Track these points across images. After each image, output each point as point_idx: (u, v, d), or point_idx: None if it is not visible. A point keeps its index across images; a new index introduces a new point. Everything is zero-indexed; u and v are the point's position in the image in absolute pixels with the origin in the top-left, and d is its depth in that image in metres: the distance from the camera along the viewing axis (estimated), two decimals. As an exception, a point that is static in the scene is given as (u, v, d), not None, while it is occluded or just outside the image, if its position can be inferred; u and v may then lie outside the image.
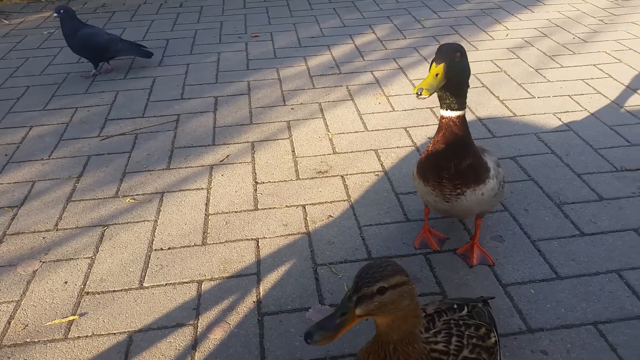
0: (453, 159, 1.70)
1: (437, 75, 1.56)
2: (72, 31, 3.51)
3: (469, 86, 1.70)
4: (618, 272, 1.88)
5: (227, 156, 2.68)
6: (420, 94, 1.54)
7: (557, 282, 1.85)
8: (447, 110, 1.68)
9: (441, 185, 1.73)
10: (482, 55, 3.76)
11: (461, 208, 1.78)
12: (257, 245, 2.08)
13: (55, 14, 3.49)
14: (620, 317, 1.70)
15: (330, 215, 2.23)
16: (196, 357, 1.61)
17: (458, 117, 1.68)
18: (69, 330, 1.72)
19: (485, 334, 1.26)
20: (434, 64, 1.58)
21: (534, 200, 2.28)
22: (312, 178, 2.49)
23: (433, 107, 3.06)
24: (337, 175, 2.50)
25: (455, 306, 1.33)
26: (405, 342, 1.07)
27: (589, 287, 1.82)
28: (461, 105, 1.68)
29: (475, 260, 1.94)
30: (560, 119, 2.91)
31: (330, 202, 2.32)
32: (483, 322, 1.31)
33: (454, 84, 1.62)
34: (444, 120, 1.70)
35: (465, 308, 1.34)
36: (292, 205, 2.30)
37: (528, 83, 3.34)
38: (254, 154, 2.70)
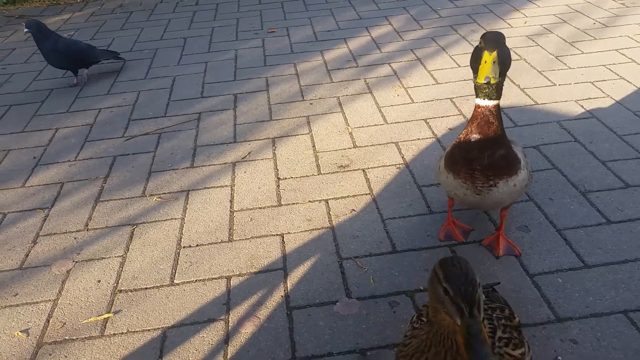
0: (487, 149, 1.68)
1: (494, 62, 1.56)
2: (51, 44, 3.43)
3: (506, 75, 1.69)
4: (647, 260, 1.87)
5: (249, 153, 2.71)
6: (489, 82, 1.55)
7: (585, 271, 1.84)
8: (484, 99, 1.67)
9: (473, 177, 1.72)
10: (500, 43, 3.72)
11: (492, 200, 1.76)
12: (283, 240, 2.11)
13: (26, 29, 3.39)
14: (650, 304, 1.70)
15: (353, 209, 2.25)
16: (229, 352, 1.65)
17: (495, 106, 1.67)
18: (105, 328, 1.77)
19: (510, 314, 1.29)
20: (486, 52, 1.58)
21: (558, 189, 2.27)
22: (334, 172, 2.50)
23: (453, 98, 3.05)
24: (359, 169, 2.52)
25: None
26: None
27: (618, 275, 1.81)
28: (499, 93, 1.66)
29: (502, 250, 1.95)
30: (582, 106, 2.88)
31: (353, 196, 2.33)
32: (502, 301, 1.34)
33: (502, 71, 1.62)
34: (479, 110, 1.68)
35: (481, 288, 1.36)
36: (315, 200, 2.32)
37: (548, 70, 3.30)
38: (275, 150, 2.73)
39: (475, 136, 1.69)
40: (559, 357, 1.55)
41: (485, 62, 1.58)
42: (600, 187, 2.25)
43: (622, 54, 3.43)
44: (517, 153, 1.77)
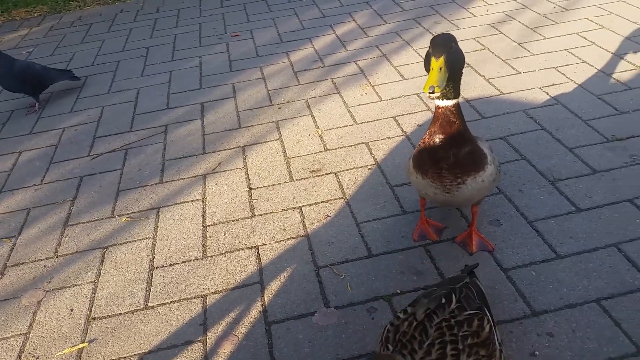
0: (451, 148, 1.69)
1: (440, 69, 1.55)
2: (6, 69, 3.29)
3: (462, 73, 1.69)
4: (616, 246, 1.89)
5: (219, 164, 2.68)
6: (433, 92, 1.53)
7: (558, 262, 1.86)
8: (442, 99, 1.67)
9: (441, 176, 1.72)
10: (464, 33, 3.74)
11: (462, 197, 1.77)
12: (258, 252, 2.09)
13: None
14: (622, 291, 1.72)
15: (327, 215, 2.24)
16: (208, 374, 1.63)
17: (454, 105, 1.67)
18: (80, 359, 1.73)
19: (479, 325, 1.29)
20: (433, 58, 1.57)
21: (528, 179, 2.29)
22: (306, 178, 2.49)
23: (420, 93, 3.06)
24: (331, 172, 2.50)
25: (443, 300, 1.35)
26: None
27: (589, 264, 1.84)
28: (456, 93, 1.67)
29: (475, 247, 1.96)
30: (547, 93, 2.91)
31: (326, 201, 2.32)
32: (473, 308, 1.34)
33: (452, 74, 1.62)
34: (440, 110, 1.68)
35: (454, 296, 1.37)
36: (288, 208, 2.31)
37: (513, 58, 3.33)
38: (245, 158, 2.70)
39: (439, 137, 1.69)
40: (536, 352, 1.57)
41: (432, 69, 1.57)
42: (569, 174, 2.28)
43: (582, 37, 3.47)
44: (483, 149, 1.77)
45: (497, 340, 1.33)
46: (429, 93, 1.53)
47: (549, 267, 1.85)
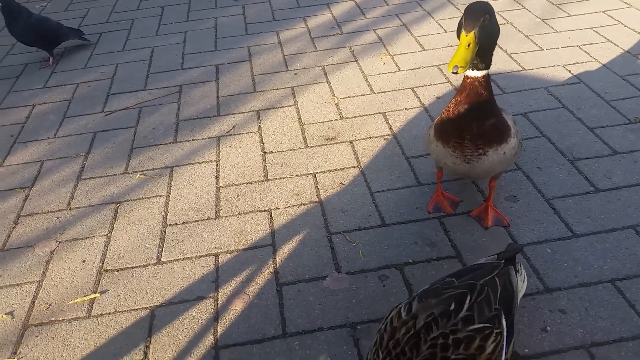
0: (476, 119, 1.65)
1: (469, 45, 1.49)
2: (23, 21, 3.24)
3: (496, 44, 1.63)
4: (634, 228, 1.87)
5: (234, 126, 2.66)
6: (456, 72, 1.49)
7: (574, 241, 1.85)
8: (472, 70, 1.62)
9: (462, 146, 1.69)
10: (487, 7, 3.64)
11: (482, 169, 1.74)
12: (270, 216, 2.08)
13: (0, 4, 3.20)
14: (638, 273, 1.71)
15: (341, 183, 2.22)
16: (219, 329, 1.64)
17: (484, 76, 1.63)
18: (92, 308, 1.75)
19: (479, 346, 1.15)
20: (463, 32, 1.51)
21: (547, 157, 2.26)
22: (321, 145, 2.46)
23: (440, 65, 3.00)
24: (346, 141, 2.48)
25: (452, 307, 1.21)
26: None
27: (606, 244, 1.82)
28: (488, 64, 1.62)
29: (490, 221, 1.94)
30: (570, 71, 2.85)
31: (341, 169, 2.30)
32: (485, 318, 1.20)
33: (483, 47, 1.56)
34: (468, 80, 1.64)
35: (468, 298, 1.23)
36: (302, 174, 2.29)
37: (535, 34, 3.25)
38: (260, 123, 2.67)
39: (464, 107, 1.65)
40: (548, 327, 1.57)
41: (460, 44, 1.50)
42: (589, 154, 2.25)
43: (609, 16, 3.38)
44: (507, 121, 1.74)
45: (506, 355, 1.21)
46: (452, 72, 1.49)
47: (564, 245, 1.84)
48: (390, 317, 1.25)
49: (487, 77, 1.64)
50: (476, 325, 1.18)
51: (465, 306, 1.22)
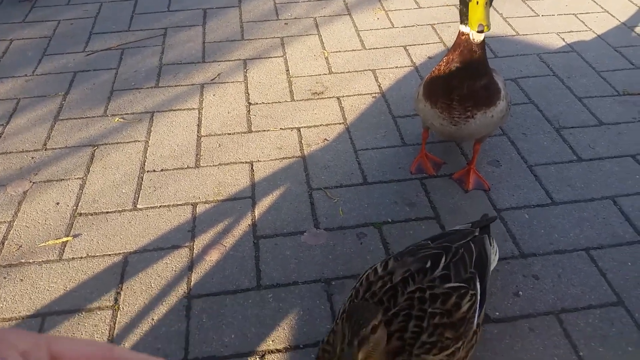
0: (467, 79, 1.61)
1: (487, 3, 1.45)
2: None
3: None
4: (613, 199, 1.88)
5: (219, 75, 2.58)
6: (482, 31, 1.46)
7: (552, 208, 1.85)
8: (467, 26, 1.57)
9: (450, 108, 1.66)
10: (486, -32, 3.54)
11: (468, 131, 1.72)
12: (252, 168, 2.05)
13: None
14: (612, 243, 1.73)
15: (325, 139, 2.19)
16: (193, 278, 1.63)
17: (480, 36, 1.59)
18: (63, 252, 1.72)
19: (455, 303, 1.15)
20: None
21: (533, 124, 2.24)
22: (307, 99, 2.41)
23: (435, 24, 2.93)
24: (333, 96, 2.43)
25: (428, 264, 1.21)
26: None
27: (583, 213, 1.83)
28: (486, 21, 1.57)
29: (471, 185, 1.93)
30: (564, 39, 2.80)
31: (326, 125, 2.26)
32: (461, 279, 1.20)
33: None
34: (463, 37, 1.59)
35: (444, 258, 1.22)
36: (286, 128, 2.25)
37: (532, 0, 3.18)
38: (246, 72, 2.60)
39: (456, 65, 1.61)
40: (520, 292, 1.58)
41: (478, 3, 1.46)
42: (575, 123, 2.23)
43: (609, -15, 3.31)
44: (498, 83, 1.71)
45: (477, 319, 1.20)
46: (478, 31, 1.45)
47: (543, 212, 1.84)
48: (366, 274, 1.25)
49: (483, 38, 1.59)
50: (453, 284, 1.18)
51: (441, 265, 1.22)
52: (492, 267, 1.38)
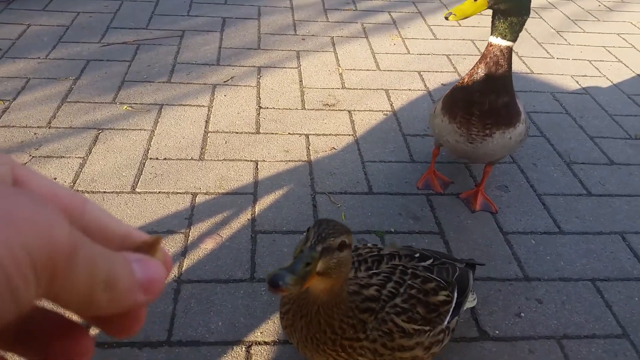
0: (490, 93, 1.57)
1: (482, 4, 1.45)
2: None
3: (528, 16, 1.56)
4: (621, 234, 1.84)
5: (232, 77, 2.57)
6: (447, 18, 1.44)
7: (560, 237, 1.81)
8: (497, 37, 1.55)
9: (469, 123, 1.61)
10: (504, 10, 3.61)
11: (484, 151, 1.67)
12: (256, 167, 2.01)
13: None
14: (619, 277, 1.67)
15: (333, 148, 2.16)
16: (185, 264, 1.56)
17: (508, 47, 1.56)
18: (55, 226, 1.65)
19: (433, 289, 1.12)
20: None
21: (543, 156, 2.22)
22: (318, 109, 2.40)
23: (450, 55, 2.95)
24: (344, 110, 2.41)
25: (417, 255, 1.20)
26: (332, 304, 0.95)
27: (591, 245, 1.78)
28: (514, 35, 1.55)
29: (479, 206, 1.89)
30: (577, 82, 2.82)
31: (335, 135, 2.24)
32: (442, 278, 1.17)
33: (506, 11, 1.50)
34: (490, 48, 1.57)
35: (430, 260, 1.21)
36: (295, 133, 2.22)
37: (548, 43, 3.22)
38: (259, 78, 2.59)
39: (481, 75, 1.58)
40: (522, 314, 1.52)
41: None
42: (585, 160, 2.21)
43: (623, 38, 3.37)
44: (519, 105, 1.69)
45: (448, 322, 1.16)
46: (444, 16, 1.44)
47: (550, 239, 1.79)
48: (355, 246, 1.21)
49: (510, 50, 1.58)
50: (435, 276, 1.17)
51: (427, 262, 1.21)
52: (466, 306, 1.31)
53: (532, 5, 3.69)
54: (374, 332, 1.00)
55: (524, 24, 1.56)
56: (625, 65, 3.04)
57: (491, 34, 1.57)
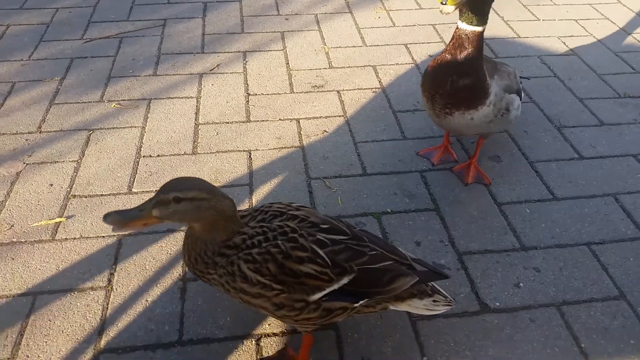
0: (452, 74, 1.63)
1: None
2: None
3: (493, 1, 1.59)
4: (614, 196, 1.87)
5: (218, 65, 2.56)
6: (445, 3, 1.45)
7: (553, 203, 1.84)
8: (463, 22, 1.59)
9: (433, 100, 1.70)
10: (487, -28, 3.56)
11: (449, 125, 1.76)
12: (250, 156, 2.02)
13: None
14: (614, 238, 1.71)
15: (325, 131, 2.16)
16: (188, 262, 1.59)
17: (473, 32, 1.59)
18: (56, 232, 1.67)
19: (299, 257, 1.14)
20: None
21: (533, 122, 2.23)
22: (307, 92, 2.39)
23: (436, 24, 2.93)
24: (333, 90, 2.41)
25: (325, 226, 1.21)
26: (199, 240, 1.16)
27: (585, 209, 1.81)
28: (480, 21, 1.59)
29: (471, 178, 1.91)
30: (564, 43, 2.81)
31: (326, 117, 2.24)
32: (332, 258, 1.16)
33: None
34: (457, 32, 1.61)
35: (344, 237, 1.20)
36: (286, 119, 2.22)
37: (533, 5, 3.19)
38: (245, 64, 2.58)
39: (447, 57, 1.64)
40: (521, 284, 1.56)
41: None
42: (576, 123, 2.23)
43: (608, -7, 3.34)
44: (489, 87, 1.68)
45: (317, 296, 1.16)
46: (441, 3, 1.45)
47: (544, 206, 1.82)
48: (280, 203, 1.29)
49: (477, 35, 1.60)
50: (322, 251, 1.16)
51: (338, 237, 1.20)
52: (427, 312, 1.28)
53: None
54: (221, 270, 1.16)
55: (490, 6, 1.59)
56: (611, 22, 3.02)
57: (459, 19, 1.60)
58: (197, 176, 1.89)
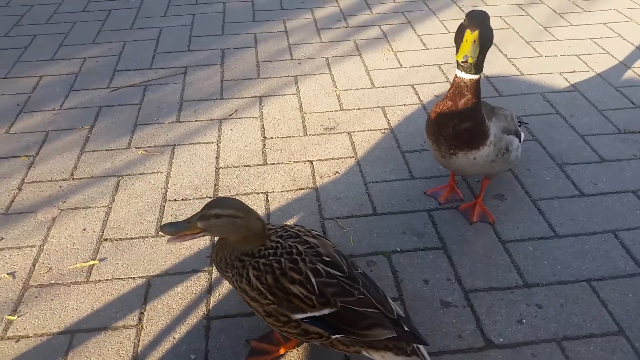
0: (453, 119, 1.76)
1: (474, 42, 1.61)
2: None
3: (487, 51, 1.72)
4: (614, 232, 1.96)
5: (236, 110, 2.72)
6: (466, 62, 1.61)
7: (555, 240, 1.93)
8: (462, 72, 1.72)
9: (438, 142, 1.84)
10: (491, 11, 3.70)
11: (455, 166, 1.88)
12: (267, 198, 2.15)
13: None
14: (613, 275, 1.80)
15: (337, 172, 2.30)
16: (211, 301, 1.71)
17: (471, 80, 1.72)
18: (90, 274, 1.82)
19: (292, 278, 1.30)
20: (468, 31, 1.61)
21: (536, 160, 2.34)
22: (320, 134, 2.53)
23: (441, 64, 3.07)
24: (344, 132, 2.55)
25: (328, 259, 1.36)
26: (229, 246, 1.39)
27: (585, 246, 1.91)
28: (477, 69, 1.71)
29: (476, 217, 2.02)
30: (566, 79, 2.93)
31: (337, 159, 2.38)
32: (321, 290, 1.30)
33: (480, 50, 1.66)
34: (456, 80, 1.74)
35: (342, 272, 1.35)
36: (300, 161, 2.36)
37: (536, 41, 3.33)
38: (261, 108, 2.74)
39: (448, 103, 1.77)
40: (524, 320, 1.65)
41: (466, 40, 1.62)
42: (577, 160, 2.33)
43: (609, 28, 3.46)
44: (489, 129, 1.81)
45: (300, 316, 1.31)
46: (462, 62, 1.60)
47: (546, 244, 1.92)
48: (298, 225, 1.51)
49: (474, 82, 1.72)
50: (314, 278, 1.31)
51: (334, 270, 1.35)
52: None
53: (517, 1, 3.82)
54: (234, 270, 1.38)
55: (484, 58, 1.72)
56: (612, 56, 3.14)
57: (457, 67, 1.73)
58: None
